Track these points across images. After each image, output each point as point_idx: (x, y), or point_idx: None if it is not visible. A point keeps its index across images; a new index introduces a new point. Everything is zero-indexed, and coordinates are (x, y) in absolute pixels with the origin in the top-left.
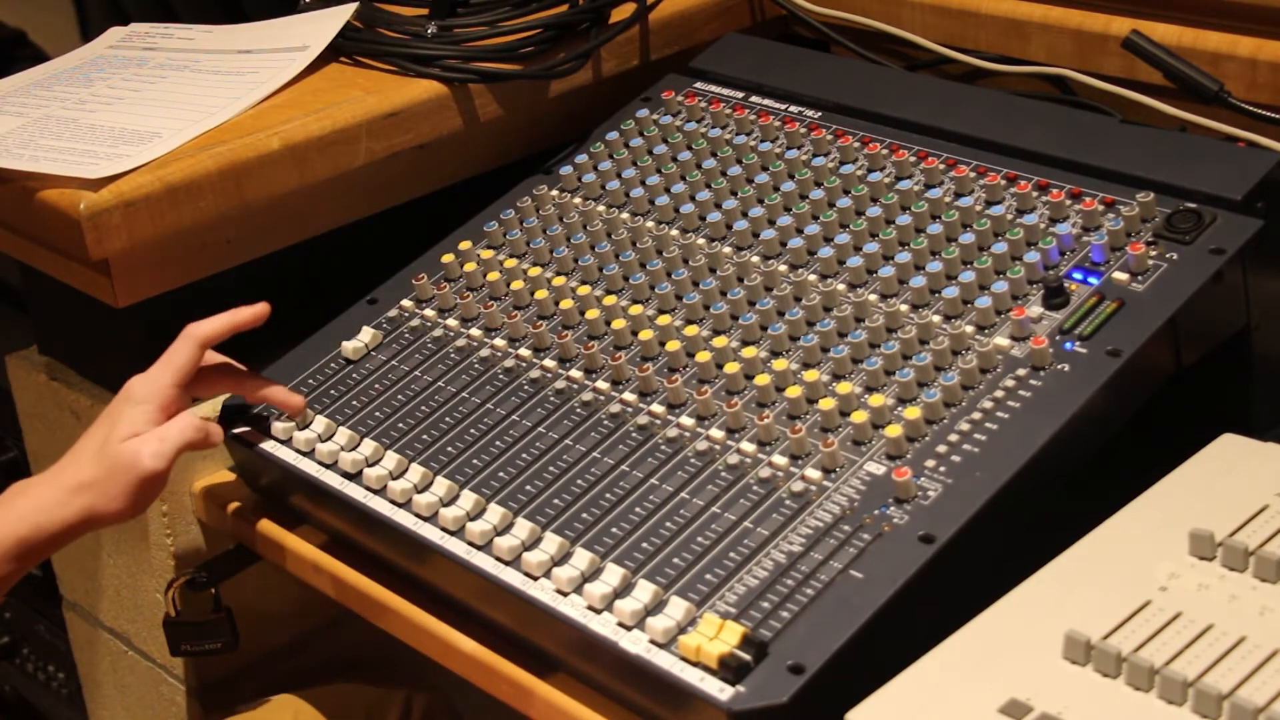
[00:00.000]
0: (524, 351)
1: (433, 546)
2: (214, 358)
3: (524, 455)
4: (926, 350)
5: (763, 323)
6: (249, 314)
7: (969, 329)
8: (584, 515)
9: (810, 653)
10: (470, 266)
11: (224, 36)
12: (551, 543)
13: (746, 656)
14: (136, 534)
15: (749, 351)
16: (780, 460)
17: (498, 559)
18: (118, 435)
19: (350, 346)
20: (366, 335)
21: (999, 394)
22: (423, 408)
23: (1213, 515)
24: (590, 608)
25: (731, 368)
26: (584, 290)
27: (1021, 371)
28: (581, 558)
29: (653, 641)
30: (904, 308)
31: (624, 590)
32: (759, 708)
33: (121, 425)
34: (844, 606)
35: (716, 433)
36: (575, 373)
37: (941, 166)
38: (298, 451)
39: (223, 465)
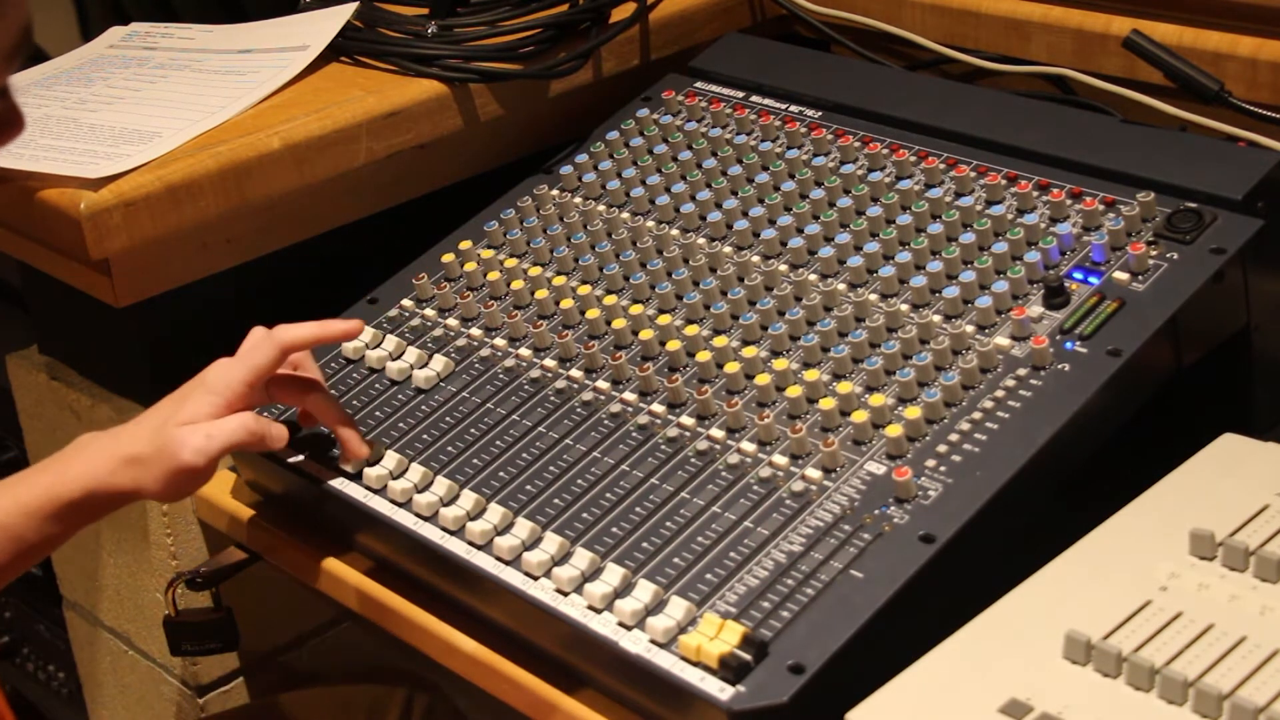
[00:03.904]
0: (524, 351)
1: (432, 546)
2: (307, 370)
3: (524, 455)
4: (927, 350)
5: (763, 322)
6: (339, 329)
7: (969, 329)
8: (584, 515)
9: (810, 653)
10: (470, 266)
11: (224, 36)
12: (551, 542)
13: (747, 656)
14: (136, 534)
15: (749, 351)
16: (780, 460)
17: (498, 559)
18: (177, 418)
19: (350, 347)
20: (367, 335)
21: (999, 394)
22: (423, 408)
23: (1213, 515)
24: (590, 607)
25: (731, 367)
26: (584, 290)
27: (1022, 371)
28: (581, 557)
29: (653, 641)
30: (904, 307)
31: (624, 590)
32: (759, 707)
33: (185, 409)
34: (844, 606)
35: (717, 432)
36: (575, 372)
37: (942, 166)
38: (296, 451)
39: (223, 465)
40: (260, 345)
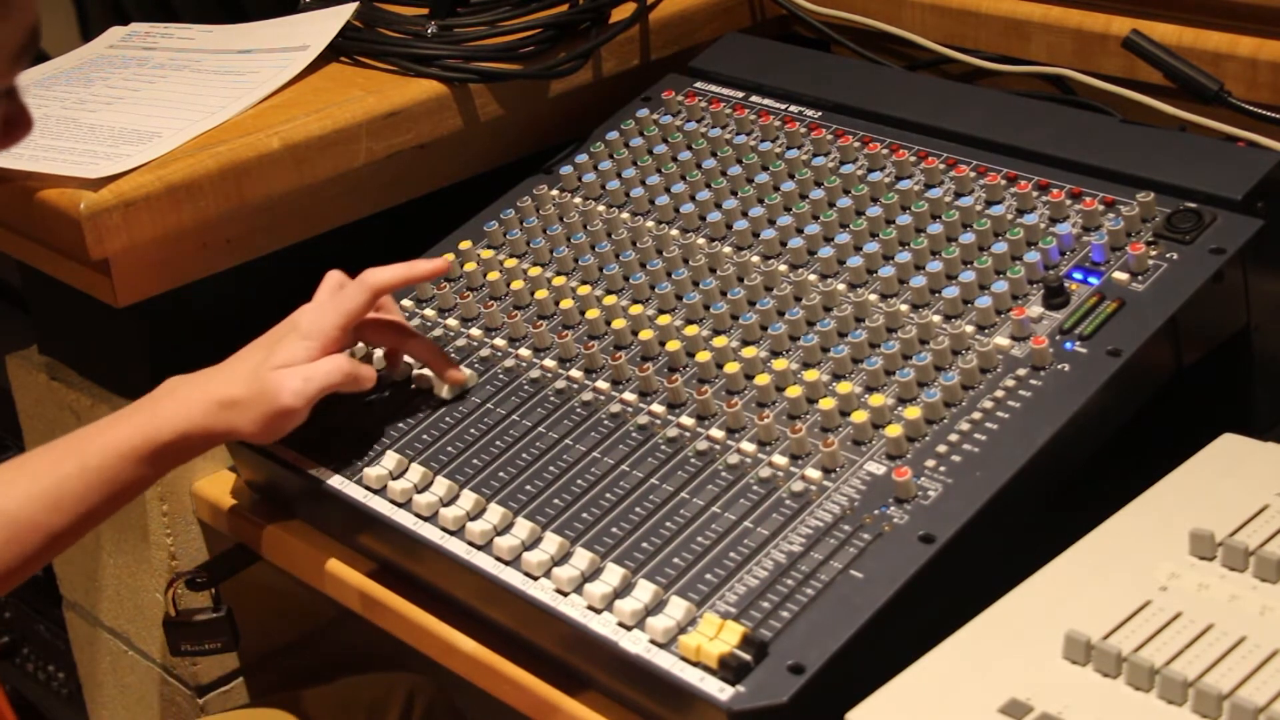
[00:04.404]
0: (524, 351)
1: (433, 546)
2: (390, 312)
3: (524, 455)
4: (926, 350)
5: (763, 322)
6: (426, 268)
7: (969, 329)
8: (584, 515)
9: (810, 653)
10: (470, 266)
11: (224, 36)
12: (551, 542)
13: (746, 656)
14: (136, 534)
15: (749, 351)
16: (780, 460)
17: (498, 559)
18: (272, 361)
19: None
20: None
21: (999, 394)
22: (423, 408)
23: (1213, 515)
24: (590, 608)
25: (731, 367)
26: (584, 290)
27: (1021, 371)
28: (581, 558)
29: (653, 641)
30: (904, 307)
31: (624, 590)
32: (759, 708)
33: (279, 353)
34: (844, 606)
35: (716, 432)
36: (575, 373)
37: (941, 166)
38: (296, 451)
39: (223, 465)
40: (351, 289)
